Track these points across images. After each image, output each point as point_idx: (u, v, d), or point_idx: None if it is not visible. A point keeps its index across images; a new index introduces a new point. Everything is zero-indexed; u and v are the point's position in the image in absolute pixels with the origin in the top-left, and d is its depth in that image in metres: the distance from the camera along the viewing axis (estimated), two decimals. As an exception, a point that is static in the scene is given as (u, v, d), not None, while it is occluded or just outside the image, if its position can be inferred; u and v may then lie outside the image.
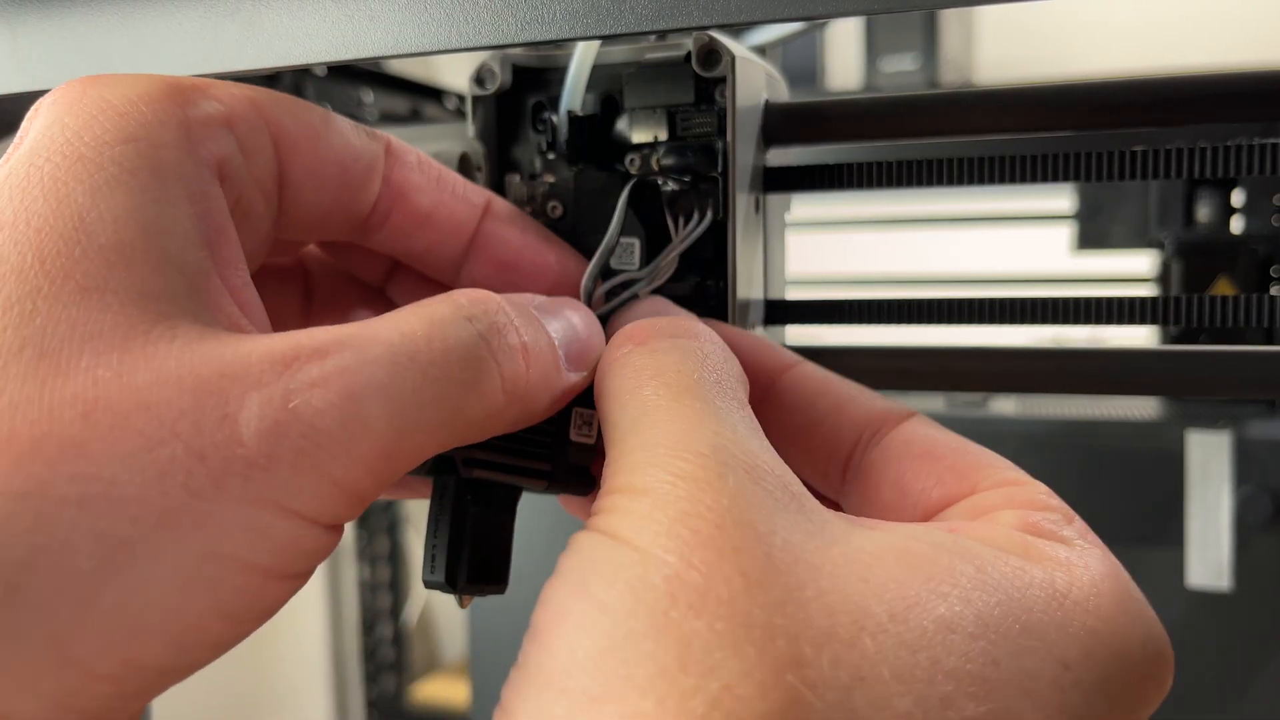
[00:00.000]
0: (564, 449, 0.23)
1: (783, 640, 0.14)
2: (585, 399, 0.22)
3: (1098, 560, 0.18)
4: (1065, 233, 0.78)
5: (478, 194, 0.25)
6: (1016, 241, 0.96)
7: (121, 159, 0.18)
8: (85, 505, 0.15)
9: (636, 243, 0.26)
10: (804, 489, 0.17)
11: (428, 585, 0.22)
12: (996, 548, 0.17)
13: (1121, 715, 0.17)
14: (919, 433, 0.22)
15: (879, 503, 0.21)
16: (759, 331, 0.28)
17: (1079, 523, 0.19)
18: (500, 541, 0.22)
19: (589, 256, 0.26)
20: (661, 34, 0.26)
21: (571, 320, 0.22)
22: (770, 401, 0.23)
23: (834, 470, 0.22)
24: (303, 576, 0.17)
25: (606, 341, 0.22)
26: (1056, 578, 0.17)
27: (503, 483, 0.22)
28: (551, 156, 0.28)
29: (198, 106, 0.19)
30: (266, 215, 0.21)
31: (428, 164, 0.24)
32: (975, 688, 0.15)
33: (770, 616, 0.14)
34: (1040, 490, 0.20)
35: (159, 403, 0.16)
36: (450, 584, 0.22)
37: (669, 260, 0.25)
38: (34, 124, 0.19)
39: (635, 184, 0.27)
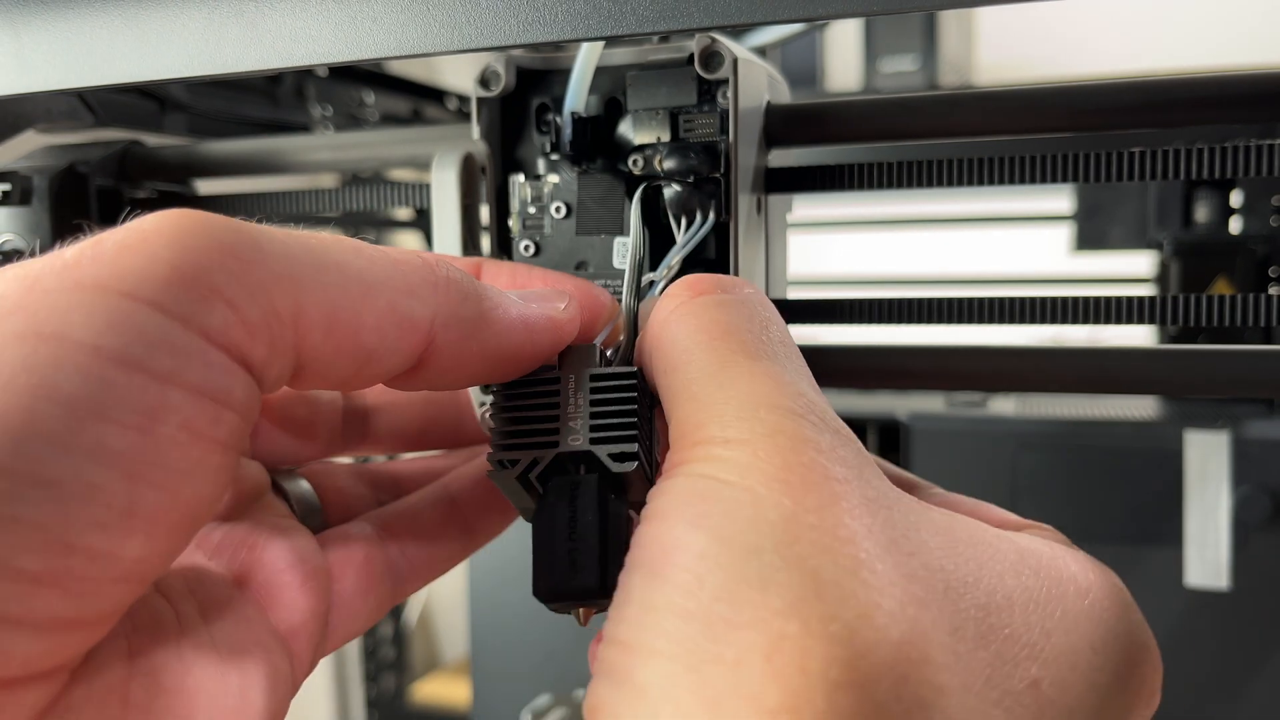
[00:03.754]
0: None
1: (898, 579, 0.16)
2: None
3: (1103, 572, 0.20)
4: (1064, 233, 0.78)
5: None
6: (1016, 241, 0.96)
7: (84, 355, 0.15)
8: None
9: (631, 230, 0.27)
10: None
11: (558, 595, 0.20)
12: (1031, 541, 0.20)
13: (1130, 699, 0.19)
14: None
15: None
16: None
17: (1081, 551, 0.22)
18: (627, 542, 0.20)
19: (593, 250, 0.26)
20: (663, 36, 0.26)
21: (528, 290, 0.22)
22: None
23: None
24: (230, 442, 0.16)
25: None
26: (1080, 577, 0.19)
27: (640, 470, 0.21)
28: (555, 157, 0.28)
29: (210, 322, 0.16)
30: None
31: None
32: (1033, 652, 0.17)
33: (881, 557, 0.16)
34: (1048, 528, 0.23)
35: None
36: (603, 590, 0.19)
37: (673, 263, 0.25)
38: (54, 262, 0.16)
39: (637, 185, 0.27)
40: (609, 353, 0.23)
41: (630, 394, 0.21)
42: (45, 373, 0.14)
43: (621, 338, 0.23)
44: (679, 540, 0.16)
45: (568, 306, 0.22)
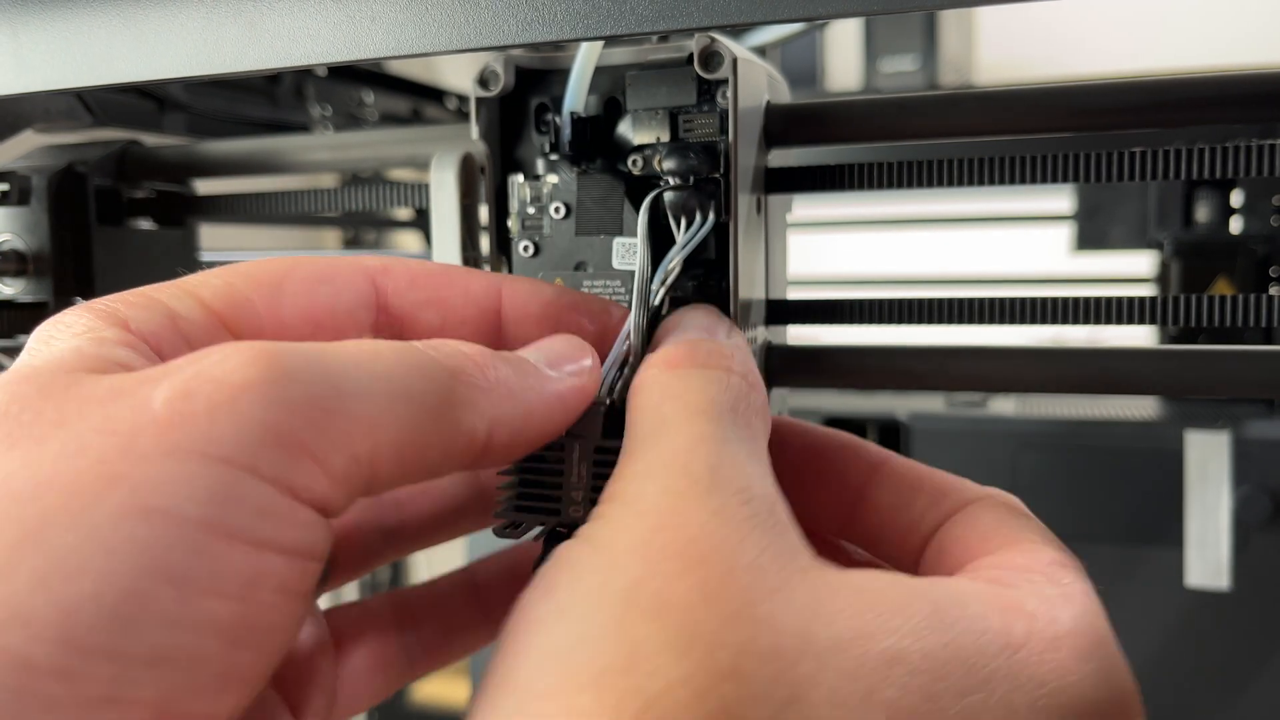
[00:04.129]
0: None
1: (725, 652, 0.14)
2: None
3: (1071, 612, 0.18)
4: (1064, 233, 0.78)
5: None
6: (1016, 241, 0.96)
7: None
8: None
9: (639, 240, 0.26)
10: (791, 520, 0.17)
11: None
12: (961, 593, 0.17)
13: None
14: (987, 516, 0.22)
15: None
16: (760, 332, 0.28)
17: (1071, 570, 0.19)
18: None
19: (593, 250, 0.26)
20: (663, 35, 0.26)
21: (550, 342, 0.22)
22: (867, 500, 0.23)
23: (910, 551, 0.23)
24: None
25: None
26: (1015, 628, 0.17)
27: None
28: (554, 157, 0.28)
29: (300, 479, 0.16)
30: None
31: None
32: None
33: (719, 628, 0.15)
34: (1037, 534, 0.20)
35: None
36: None
37: (673, 264, 0.25)
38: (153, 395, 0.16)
39: (636, 185, 0.27)
40: (617, 386, 0.23)
41: None
42: (157, 552, 0.14)
43: (630, 356, 0.23)
44: (528, 609, 0.16)
45: (592, 366, 0.22)
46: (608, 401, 0.22)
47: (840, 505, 0.24)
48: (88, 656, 0.14)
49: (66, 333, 0.18)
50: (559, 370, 0.21)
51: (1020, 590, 0.18)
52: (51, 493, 0.15)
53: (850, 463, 0.24)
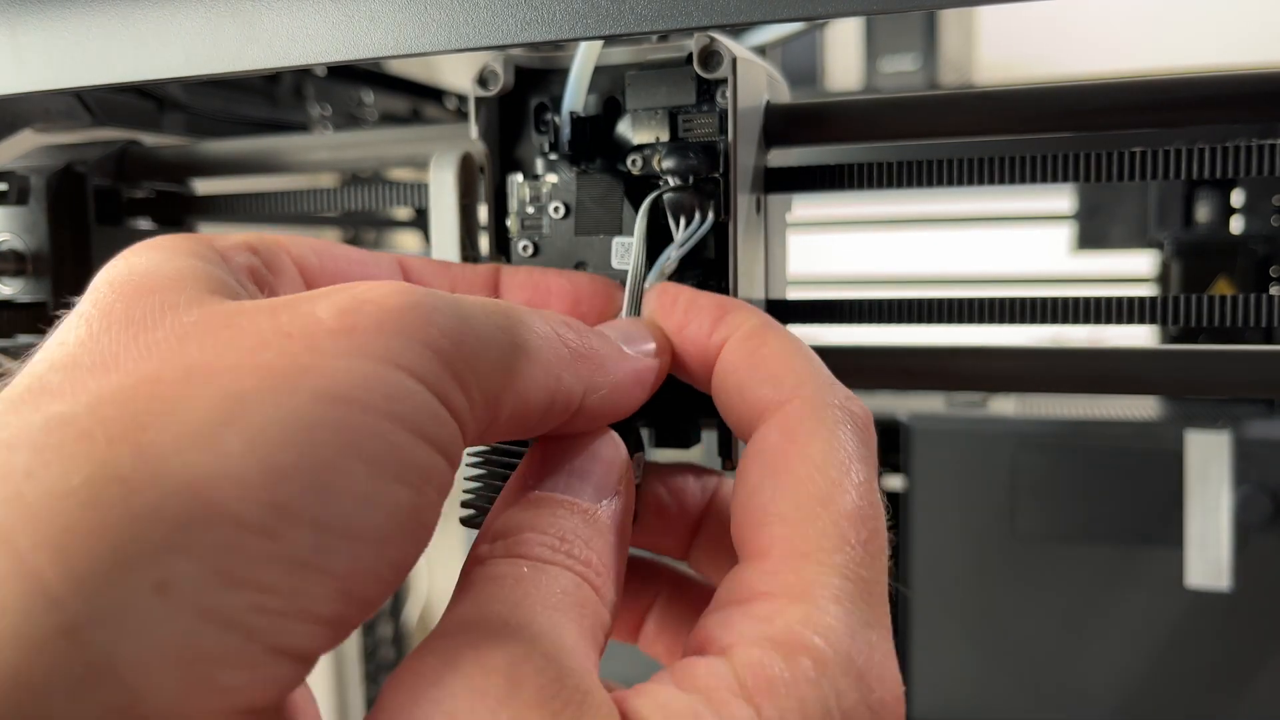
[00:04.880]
0: None
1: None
2: (638, 445, 0.23)
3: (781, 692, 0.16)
4: (1065, 233, 0.78)
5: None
6: (1016, 241, 0.96)
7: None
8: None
9: (635, 239, 0.26)
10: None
11: None
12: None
13: None
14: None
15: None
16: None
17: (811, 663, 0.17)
18: None
19: (592, 250, 0.26)
20: (662, 35, 0.26)
21: (621, 323, 0.23)
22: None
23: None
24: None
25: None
26: None
27: None
28: (553, 157, 0.28)
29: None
30: None
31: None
32: None
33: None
34: (796, 620, 0.17)
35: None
36: None
37: (670, 261, 0.25)
38: None
39: (636, 185, 0.27)
40: None
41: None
42: (350, 434, 0.15)
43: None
44: None
45: (660, 349, 0.23)
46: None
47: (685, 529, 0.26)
48: (292, 520, 0.15)
49: (179, 250, 0.19)
50: (634, 349, 0.22)
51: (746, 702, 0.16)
52: (246, 376, 0.15)
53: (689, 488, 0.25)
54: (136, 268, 0.19)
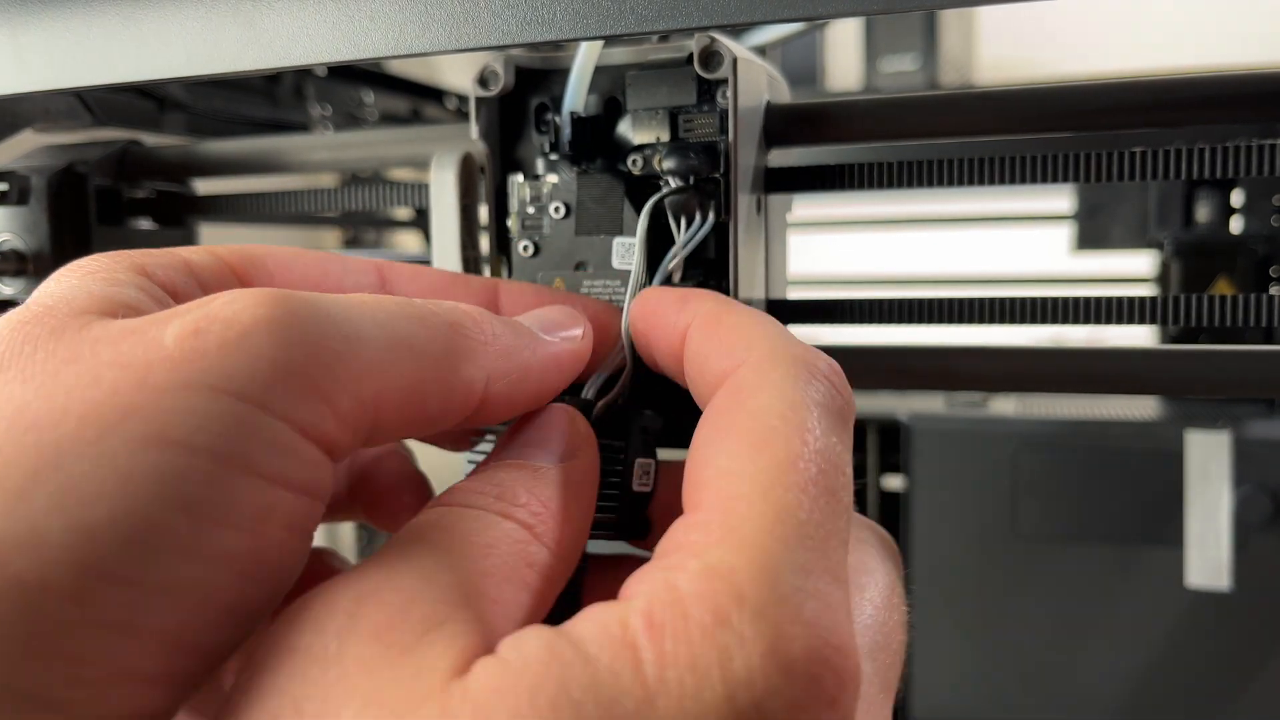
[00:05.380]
0: (627, 499, 0.23)
1: None
2: (646, 450, 0.23)
3: (692, 686, 0.14)
4: (1065, 233, 0.78)
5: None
6: (1016, 241, 0.96)
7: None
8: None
9: (637, 243, 0.26)
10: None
11: None
12: (587, 651, 0.14)
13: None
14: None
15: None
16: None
17: (744, 611, 0.14)
18: None
19: (592, 250, 0.26)
20: (663, 35, 0.26)
21: (544, 310, 0.22)
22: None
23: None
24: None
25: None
26: (644, 675, 0.14)
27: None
28: (554, 157, 0.28)
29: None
30: None
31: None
32: None
33: None
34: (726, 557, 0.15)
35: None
36: None
37: (675, 262, 0.25)
38: None
39: (636, 185, 0.27)
40: (601, 393, 0.23)
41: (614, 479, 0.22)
42: (172, 480, 0.15)
43: (625, 359, 0.24)
44: None
45: (585, 332, 0.22)
46: (591, 399, 0.23)
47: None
48: (102, 581, 0.14)
49: (79, 273, 0.19)
50: (553, 335, 0.21)
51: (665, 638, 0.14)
52: (68, 421, 0.15)
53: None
54: (36, 298, 0.18)
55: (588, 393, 0.23)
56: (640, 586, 0.15)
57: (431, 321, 0.18)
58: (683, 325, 0.21)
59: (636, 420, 0.23)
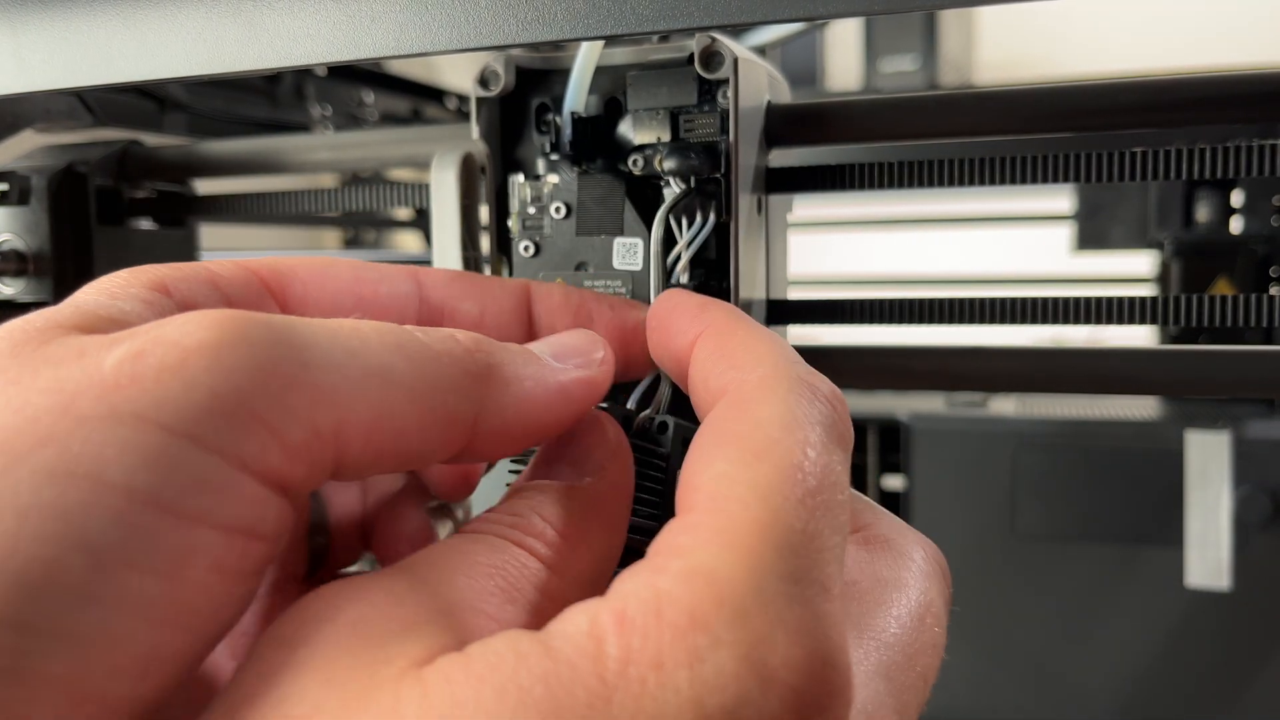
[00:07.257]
0: (670, 514, 0.23)
1: None
2: None
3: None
4: (1065, 233, 0.78)
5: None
6: (1016, 241, 0.96)
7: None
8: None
9: (639, 243, 0.26)
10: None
11: None
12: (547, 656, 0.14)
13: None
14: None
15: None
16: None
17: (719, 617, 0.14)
18: None
19: (593, 250, 0.26)
20: (663, 35, 0.26)
21: (561, 336, 0.21)
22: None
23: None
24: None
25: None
26: (606, 666, 0.14)
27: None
28: (555, 157, 0.28)
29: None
30: None
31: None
32: None
33: None
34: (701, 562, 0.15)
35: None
36: None
37: (680, 264, 0.25)
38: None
39: (637, 185, 0.27)
40: (644, 404, 0.23)
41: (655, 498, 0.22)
42: (75, 519, 0.14)
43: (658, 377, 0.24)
44: None
45: (603, 359, 0.21)
46: (633, 410, 0.23)
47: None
48: None
49: (94, 287, 0.18)
50: (565, 362, 0.20)
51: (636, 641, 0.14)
52: None
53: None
54: (39, 311, 0.17)
55: (631, 403, 0.23)
56: (623, 585, 0.15)
57: (412, 349, 0.17)
58: (693, 333, 0.21)
59: (680, 431, 0.23)
